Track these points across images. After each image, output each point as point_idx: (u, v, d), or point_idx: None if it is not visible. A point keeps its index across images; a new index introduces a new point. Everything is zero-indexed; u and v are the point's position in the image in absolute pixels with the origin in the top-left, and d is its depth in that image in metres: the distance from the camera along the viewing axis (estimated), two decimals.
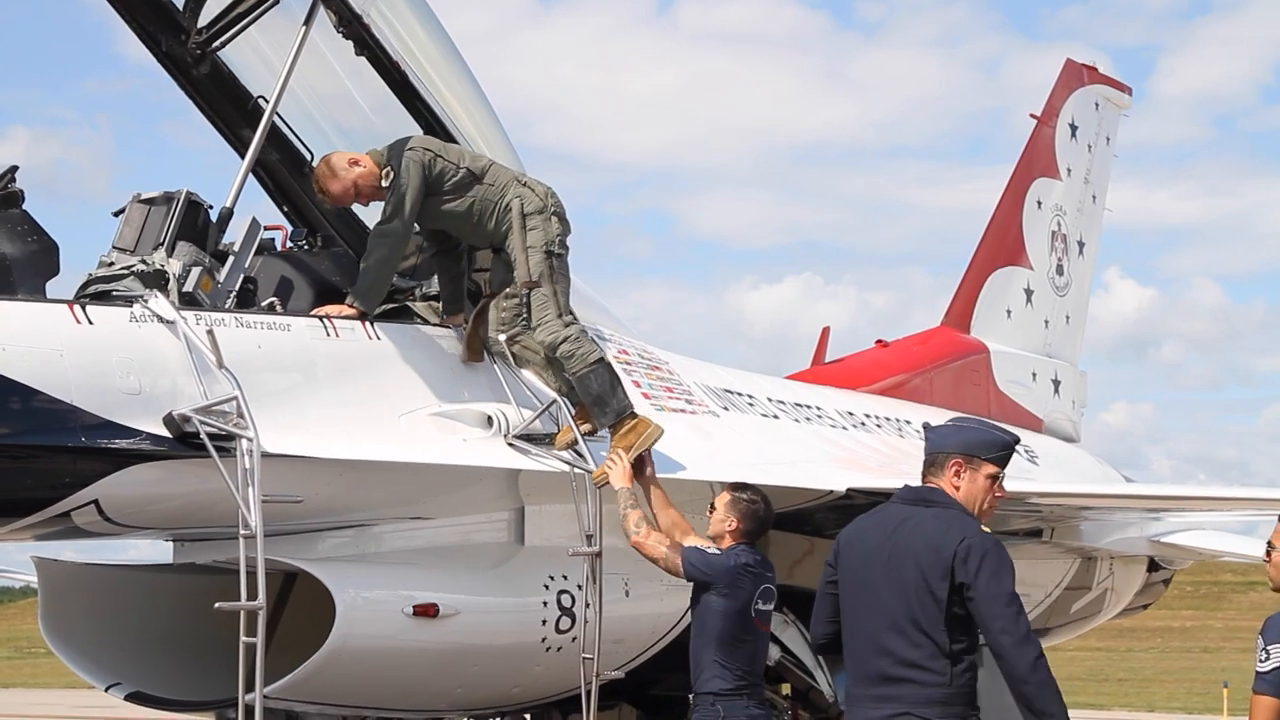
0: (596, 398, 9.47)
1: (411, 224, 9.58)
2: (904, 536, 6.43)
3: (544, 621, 9.82)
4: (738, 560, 8.69)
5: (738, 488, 9.02)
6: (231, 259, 9.21)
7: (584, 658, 9.60)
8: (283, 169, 10.48)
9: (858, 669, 6.50)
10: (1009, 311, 18.94)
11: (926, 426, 6.89)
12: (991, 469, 6.70)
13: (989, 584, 6.25)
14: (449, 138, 9.93)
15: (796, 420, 13.33)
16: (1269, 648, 7.05)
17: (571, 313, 9.60)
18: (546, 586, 9.87)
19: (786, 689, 12.53)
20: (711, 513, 8.98)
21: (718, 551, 8.75)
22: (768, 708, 9.02)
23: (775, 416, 13.04)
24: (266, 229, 9.80)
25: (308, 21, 9.59)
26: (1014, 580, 6.32)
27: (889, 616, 6.36)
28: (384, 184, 9.49)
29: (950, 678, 6.30)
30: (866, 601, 6.47)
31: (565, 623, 9.87)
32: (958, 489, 6.58)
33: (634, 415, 9.56)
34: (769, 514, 9.00)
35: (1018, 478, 15.67)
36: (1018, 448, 18.10)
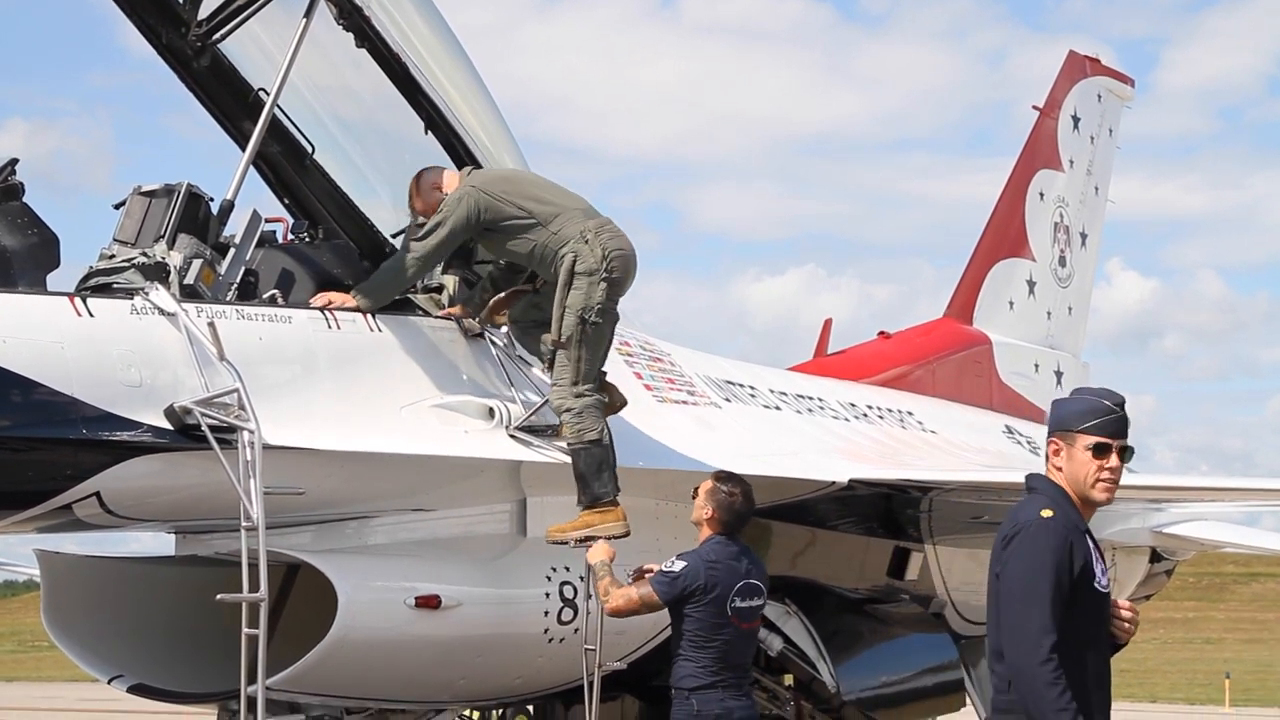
0: (580, 475, 9.38)
1: (440, 254, 9.64)
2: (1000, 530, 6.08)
3: (546, 613, 9.83)
4: (704, 559, 8.74)
5: (721, 478, 9.05)
6: (232, 251, 9.20)
7: (586, 649, 9.61)
8: (284, 161, 10.45)
9: None
10: (1011, 303, 18.95)
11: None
12: (1089, 439, 6.06)
13: (1006, 570, 5.84)
14: (450, 130, 9.91)
15: (798, 411, 13.33)
16: None
17: (592, 381, 9.46)
18: (549, 578, 9.89)
19: (789, 679, 12.56)
20: (694, 497, 9.02)
21: (683, 564, 8.74)
22: (747, 699, 9.01)
23: (777, 408, 13.04)
24: (267, 221, 9.78)
25: (308, 14, 9.56)
26: (1041, 574, 5.77)
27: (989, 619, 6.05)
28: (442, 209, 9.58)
29: (1009, 684, 5.83)
30: None
31: (567, 614, 9.88)
32: (1060, 470, 6.09)
33: (611, 504, 9.40)
34: (747, 507, 9.01)
35: (1020, 469, 15.74)
36: (1019, 438, 18.06)
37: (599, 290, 9.41)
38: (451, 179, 9.78)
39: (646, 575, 8.89)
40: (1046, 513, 5.92)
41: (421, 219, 9.88)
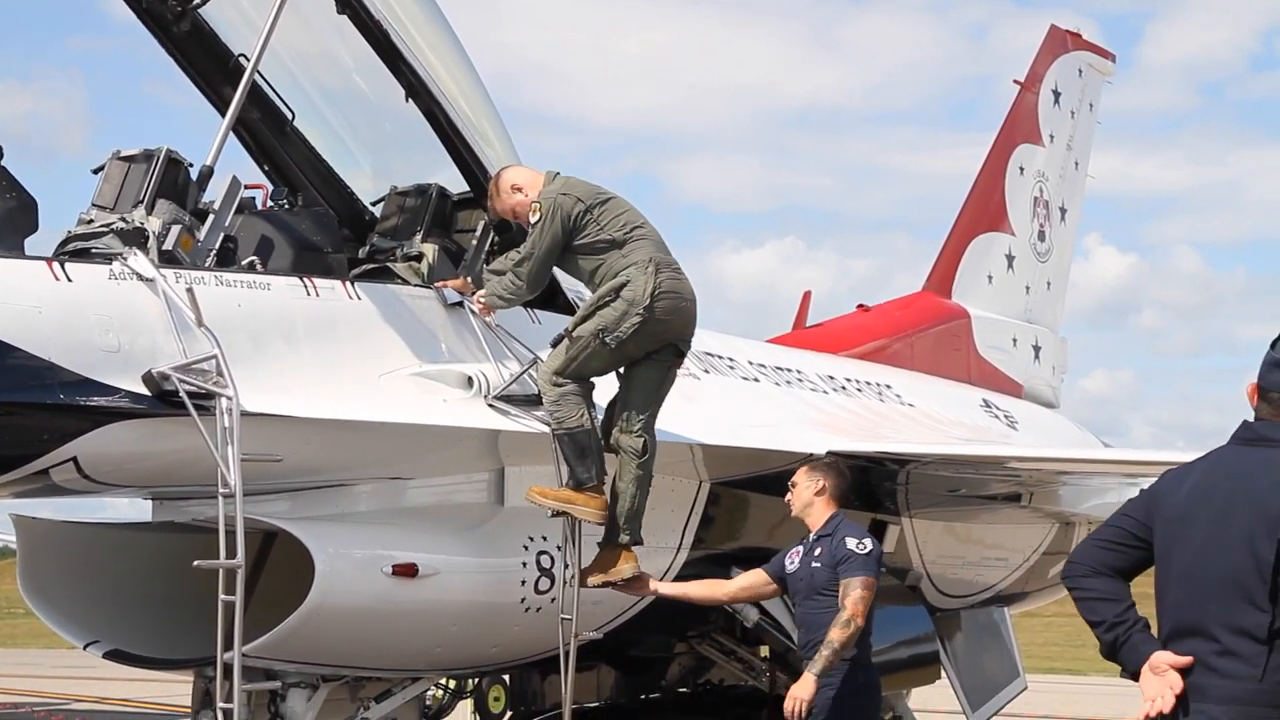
0: (564, 459, 9.40)
1: (544, 271, 9.56)
2: (1233, 485, 5.27)
3: (523, 582, 9.84)
4: (869, 533, 9.42)
5: (810, 459, 9.70)
6: (211, 217, 9.15)
7: (562, 618, 9.63)
8: (263, 128, 10.46)
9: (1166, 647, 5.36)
10: (990, 277, 18.96)
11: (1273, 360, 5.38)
12: None
13: None
14: (431, 98, 9.86)
15: (777, 384, 13.34)
16: None
17: (573, 379, 9.34)
18: (526, 547, 9.89)
19: (765, 650, 12.60)
20: (793, 490, 9.40)
21: (869, 538, 9.25)
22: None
23: (756, 380, 13.05)
24: (247, 188, 9.74)
25: None
26: None
27: (1202, 588, 5.21)
28: (532, 218, 9.46)
29: (1264, 671, 5.07)
30: (1180, 568, 5.31)
31: (544, 583, 9.89)
32: None
33: (595, 490, 9.40)
34: (848, 471, 9.58)
35: (997, 442, 15.78)
36: (997, 412, 18.06)
37: (630, 321, 9.25)
38: (534, 181, 9.60)
39: (845, 573, 9.11)
40: None
41: (498, 220, 9.97)
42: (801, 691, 8.96)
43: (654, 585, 9.90)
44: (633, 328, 9.26)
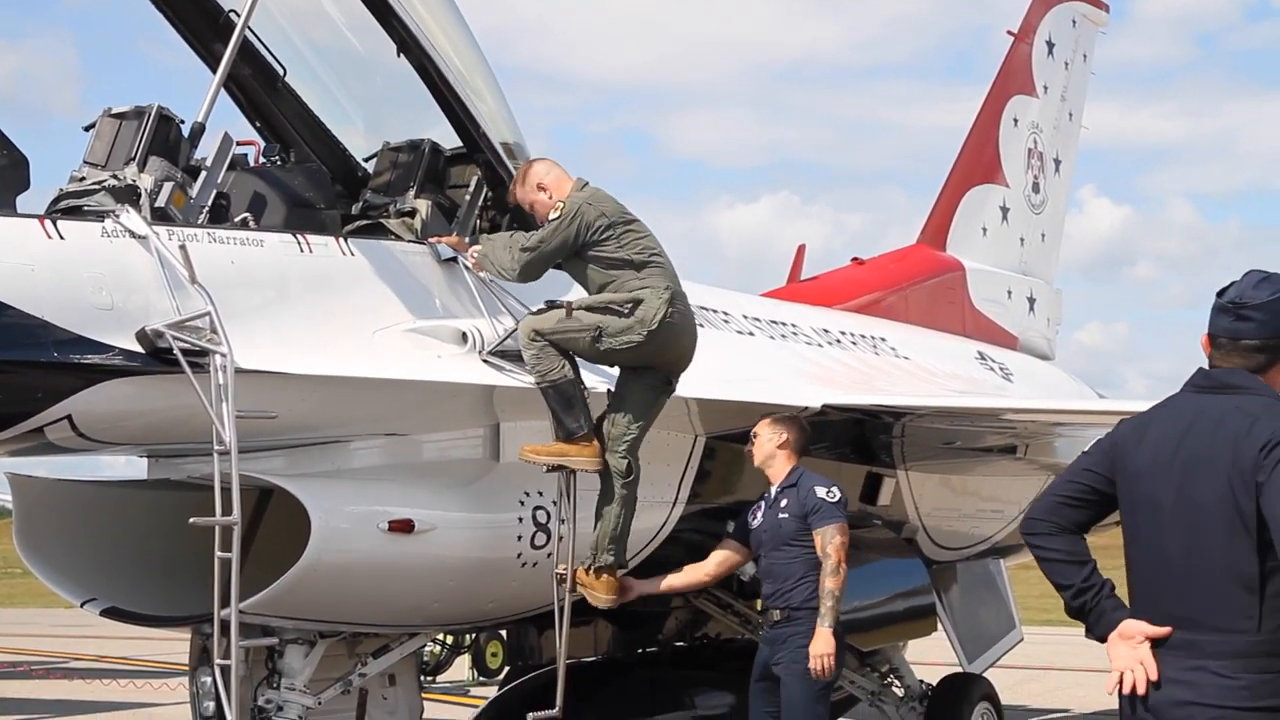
0: (551, 411, 9.46)
1: (543, 267, 9.61)
2: (1200, 436, 5.18)
3: (519, 537, 9.84)
4: (840, 489, 9.85)
5: (770, 415, 10.00)
6: (204, 174, 9.12)
7: (557, 573, 9.64)
8: (255, 84, 10.43)
9: (1142, 608, 5.25)
10: (985, 229, 18.92)
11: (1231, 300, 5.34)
12: None
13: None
14: (423, 53, 9.81)
15: (772, 337, 13.33)
16: None
17: (550, 342, 9.38)
18: (522, 503, 9.89)
19: (760, 604, 12.63)
20: (755, 442, 9.53)
21: (835, 487, 9.79)
22: None
23: (750, 333, 13.04)
24: (239, 144, 9.72)
25: None
26: None
27: (1182, 541, 5.13)
28: (551, 215, 9.51)
29: (1259, 621, 5.00)
30: (1153, 522, 5.23)
31: (540, 539, 9.89)
32: None
33: (586, 439, 9.44)
34: (809, 427, 10.03)
35: (992, 394, 15.78)
36: (992, 364, 18.08)
37: (630, 337, 9.36)
38: (560, 184, 9.63)
39: (818, 522, 9.68)
40: None
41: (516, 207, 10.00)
42: (824, 647, 9.28)
43: (637, 589, 10.00)
44: (628, 344, 9.38)
